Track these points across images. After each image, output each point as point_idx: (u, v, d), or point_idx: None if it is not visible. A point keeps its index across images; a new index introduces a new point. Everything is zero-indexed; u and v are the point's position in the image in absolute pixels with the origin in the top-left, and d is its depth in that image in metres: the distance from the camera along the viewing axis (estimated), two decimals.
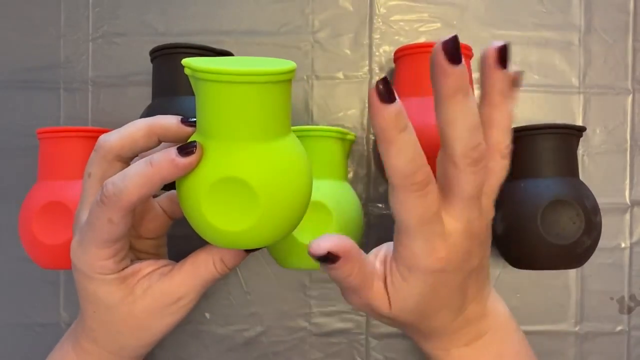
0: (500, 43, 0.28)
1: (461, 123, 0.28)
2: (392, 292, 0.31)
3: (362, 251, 0.31)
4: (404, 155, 0.27)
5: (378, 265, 0.32)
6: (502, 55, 0.28)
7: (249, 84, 0.27)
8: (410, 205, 0.29)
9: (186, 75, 0.29)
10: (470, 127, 0.28)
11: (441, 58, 0.26)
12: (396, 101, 0.26)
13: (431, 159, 0.41)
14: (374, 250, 0.34)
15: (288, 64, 0.29)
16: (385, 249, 0.33)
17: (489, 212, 0.32)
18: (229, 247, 0.32)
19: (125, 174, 0.30)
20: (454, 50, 0.26)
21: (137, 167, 0.29)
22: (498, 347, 0.35)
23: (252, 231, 0.30)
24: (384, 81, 0.26)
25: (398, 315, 0.32)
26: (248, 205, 0.29)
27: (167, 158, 0.29)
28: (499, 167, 0.31)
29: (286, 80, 0.28)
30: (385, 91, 0.26)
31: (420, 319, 0.32)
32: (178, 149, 0.29)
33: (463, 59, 0.27)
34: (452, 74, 0.27)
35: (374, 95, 0.26)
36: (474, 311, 0.34)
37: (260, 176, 0.29)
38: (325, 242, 0.29)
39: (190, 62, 0.28)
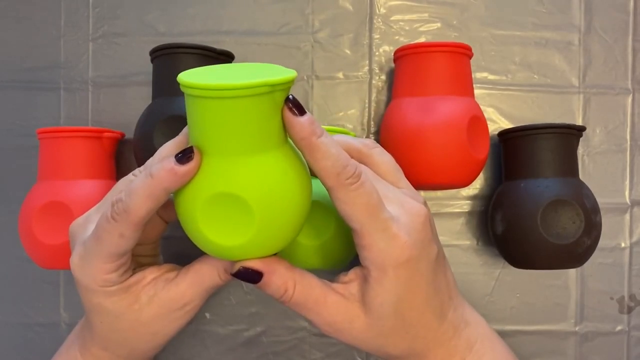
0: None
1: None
2: (369, 301, 0.32)
3: (300, 270, 0.32)
4: (329, 155, 0.29)
5: (343, 286, 0.33)
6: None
7: (234, 99, 0.26)
8: (352, 198, 0.30)
9: None
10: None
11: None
12: (307, 113, 0.29)
13: (430, 159, 0.41)
14: (340, 276, 0.34)
15: (279, 75, 0.27)
16: (351, 271, 0.34)
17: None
18: (228, 259, 0.32)
19: (130, 190, 0.30)
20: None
21: (140, 182, 0.29)
22: (492, 356, 0.36)
23: (249, 244, 0.29)
24: (292, 98, 0.28)
25: (380, 324, 0.32)
26: (244, 219, 0.29)
27: (166, 168, 0.28)
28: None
29: (275, 91, 0.27)
30: (296, 105, 0.28)
31: (403, 324, 0.33)
32: (176, 156, 0.28)
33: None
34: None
35: (288, 112, 0.28)
36: (456, 317, 0.35)
37: (254, 190, 0.28)
38: (242, 262, 0.31)
39: (180, 76, 0.27)
